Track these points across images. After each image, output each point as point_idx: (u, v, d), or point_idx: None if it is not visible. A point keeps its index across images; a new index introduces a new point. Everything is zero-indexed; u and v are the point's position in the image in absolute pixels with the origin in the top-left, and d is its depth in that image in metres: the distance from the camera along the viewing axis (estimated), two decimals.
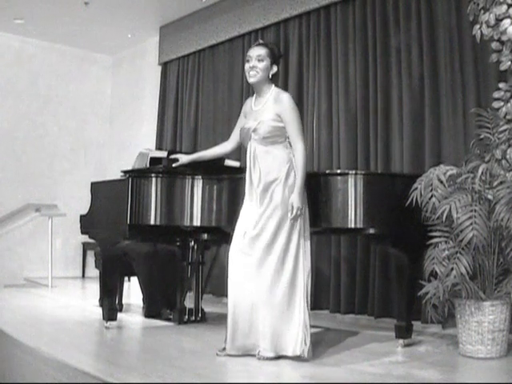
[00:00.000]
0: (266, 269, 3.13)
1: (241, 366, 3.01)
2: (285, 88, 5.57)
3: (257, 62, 3.30)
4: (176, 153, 4.04)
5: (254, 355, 3.12)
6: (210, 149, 3.89)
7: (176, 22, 7.18)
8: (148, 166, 4.02)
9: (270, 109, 3.28)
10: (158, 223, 3.76)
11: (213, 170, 3.86)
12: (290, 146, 3.27)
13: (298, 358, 3.07)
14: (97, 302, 5.06)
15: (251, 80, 3.33)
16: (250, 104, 3.43)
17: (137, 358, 3.41)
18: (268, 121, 3.25)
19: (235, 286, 3.18)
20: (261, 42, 3.52)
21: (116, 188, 3.97)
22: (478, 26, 3.71)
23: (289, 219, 3.14)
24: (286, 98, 3.29)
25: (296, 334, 3.09)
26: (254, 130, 3.27)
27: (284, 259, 3.14)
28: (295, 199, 3.14)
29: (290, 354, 3.10)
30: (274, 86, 3.37)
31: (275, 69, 3.35)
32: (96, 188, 4.32)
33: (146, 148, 4.39)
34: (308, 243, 3.24)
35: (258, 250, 3.15)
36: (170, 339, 3.79)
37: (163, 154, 4.07)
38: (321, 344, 3.51)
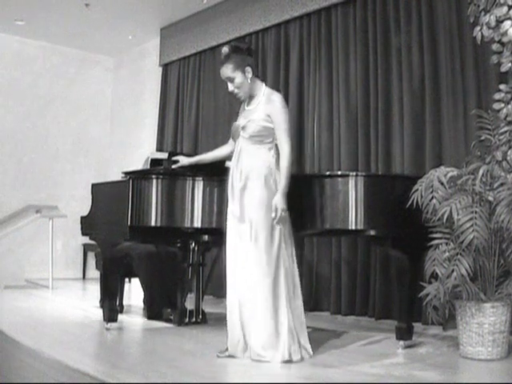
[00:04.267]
0: (249, 272, 3.11)
1: (241, 366, 3.01)
2: (285, 89, 5.59)
3: (231, 85, 3.29)
4: (177, 154, 4.04)
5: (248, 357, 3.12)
6: (209, 152, 3.86)
7: (177, 24, 7.19)
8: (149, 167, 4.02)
9: (261, 109, 3.27)
10: (158, 224, 3.76)
11: (213, 171, 3.86)
12: (276, 148, 3.26)
13: (287, 362, 3.05)
14: (97, 304, 5.07)
15: (240, 100, 3.37)
16: (244, 103, 3.43)
17: (137, 359, 3.40)
18: (258, 120, 3.24)
19: (230, 286, 3.18)
20: (222, 55, 3.28)
21: (117, 189, 3.97)
22: (478, 28, 3.72)
23: (272, 220, 3.11)
24: (277, 99, 3.28)
25: (281, 337, 3.06)
26: (243, 128, 3.27)
27: (267, 263, 3.10)
28: (279, 200, 3.11)
29: (279, 358, 3.05)
30: (264, 84, 3.35)
31: (250, 70, 3.26)
32: (97, 189, 4.32)
33: (152, 152, 4.37)
34: (291, 247, 3.23)
35: (242, 247, 3.15)
36: (171, 340, 3.78)
37: (164, 155, 4.06)
38: (321, 345, 3.51)
